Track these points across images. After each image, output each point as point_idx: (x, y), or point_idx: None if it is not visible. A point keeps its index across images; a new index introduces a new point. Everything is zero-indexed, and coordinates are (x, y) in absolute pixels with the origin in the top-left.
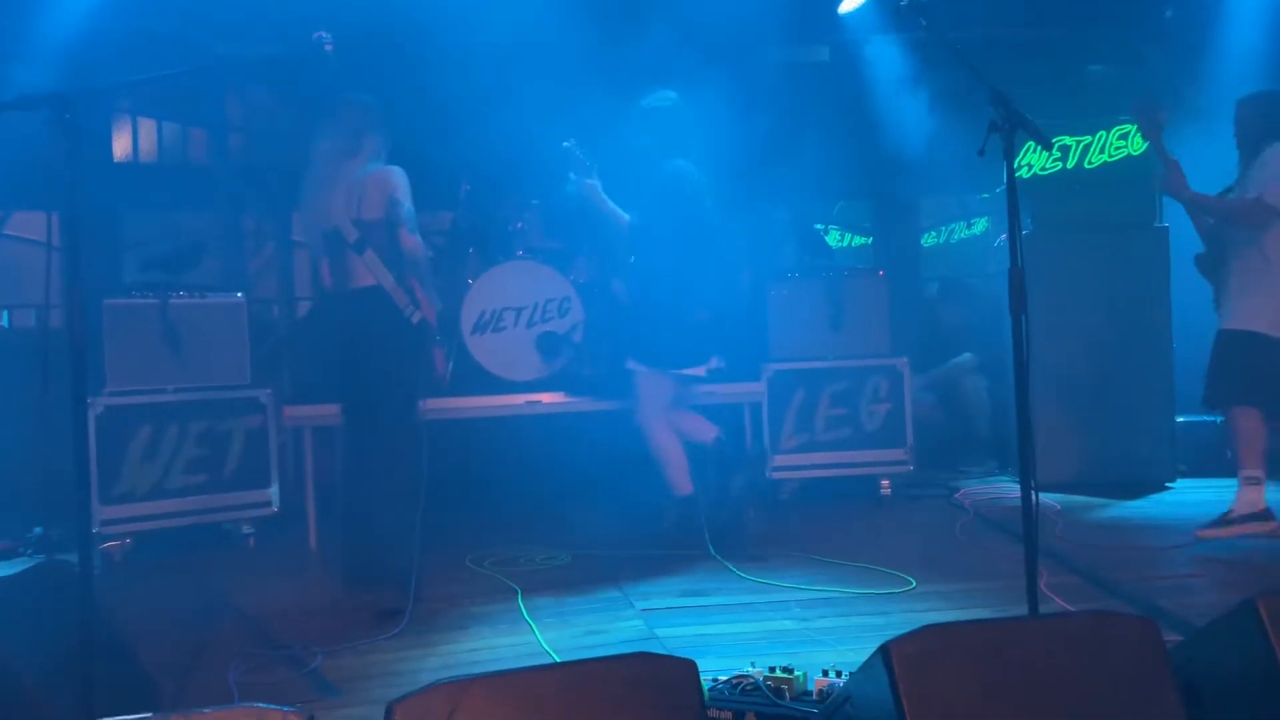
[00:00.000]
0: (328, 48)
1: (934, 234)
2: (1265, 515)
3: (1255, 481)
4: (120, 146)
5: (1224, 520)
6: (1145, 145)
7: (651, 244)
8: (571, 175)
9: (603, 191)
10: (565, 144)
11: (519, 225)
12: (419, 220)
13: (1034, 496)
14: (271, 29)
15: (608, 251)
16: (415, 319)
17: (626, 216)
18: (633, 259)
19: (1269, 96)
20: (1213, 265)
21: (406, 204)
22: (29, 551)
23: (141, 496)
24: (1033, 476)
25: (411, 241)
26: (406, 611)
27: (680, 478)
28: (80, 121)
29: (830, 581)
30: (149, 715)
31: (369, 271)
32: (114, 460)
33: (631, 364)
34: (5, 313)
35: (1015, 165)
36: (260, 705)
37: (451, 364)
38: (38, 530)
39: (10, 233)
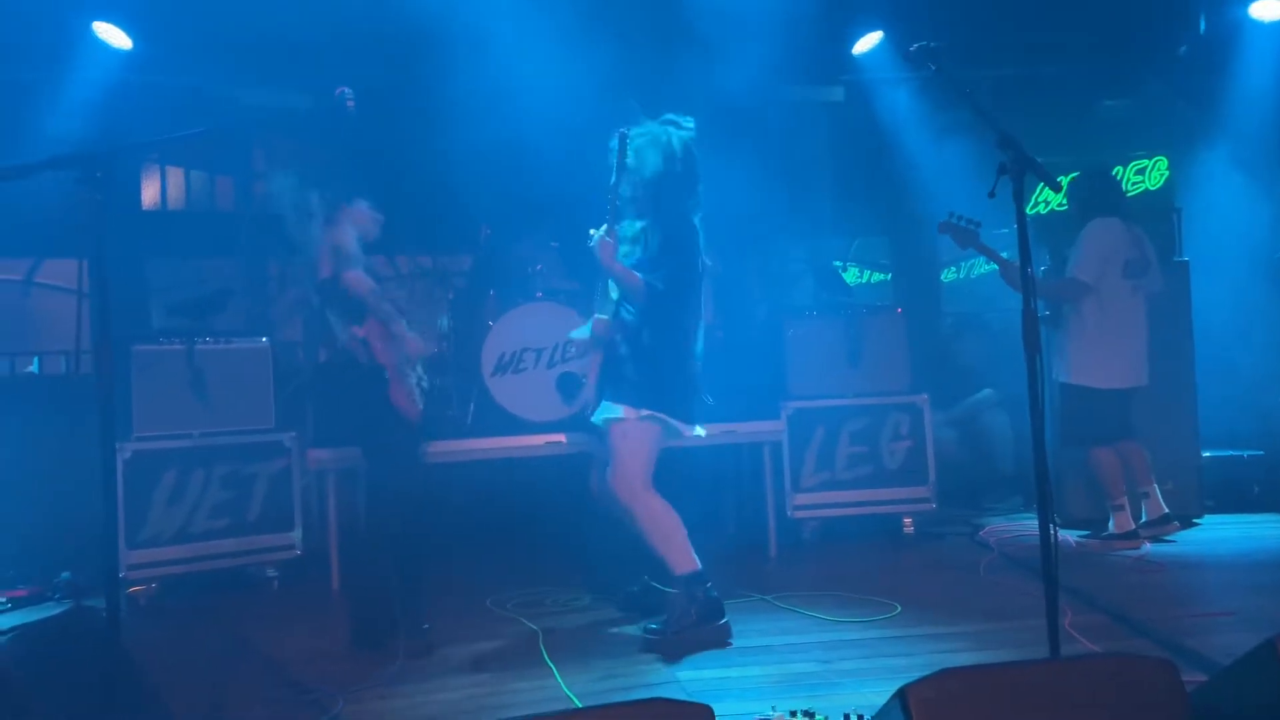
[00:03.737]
0: (350, 104)
1: (954, 270)
2: (1132, 535)
3: (1120, 508)
4: (149, 195)
5: (1101, 538)
6: (1163, 180)
7: (664, 303)
8: (595, 231)
9: (617, 252)
10: (621, 131)
11: (538, 267)
12: (440, 263)
13: (1054, 535)
14: (295, 78)
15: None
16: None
17: (640, 277)
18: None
19: (1083, 179)
20: (1052, 324)
21: (351, 248)
22: (57, 596)
23: (167, 540)
24: (1051, 515)
25: (351, 278)
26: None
27: (684, 550)
28: (108, 178)
29: (852, 621)
30: None
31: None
32: (140, 504)
33: (622, 410)
34: (36, 359)
35: (1031, 202)
36: None
37: (473, 405)
38: (65, 575)
39: (41, 280)
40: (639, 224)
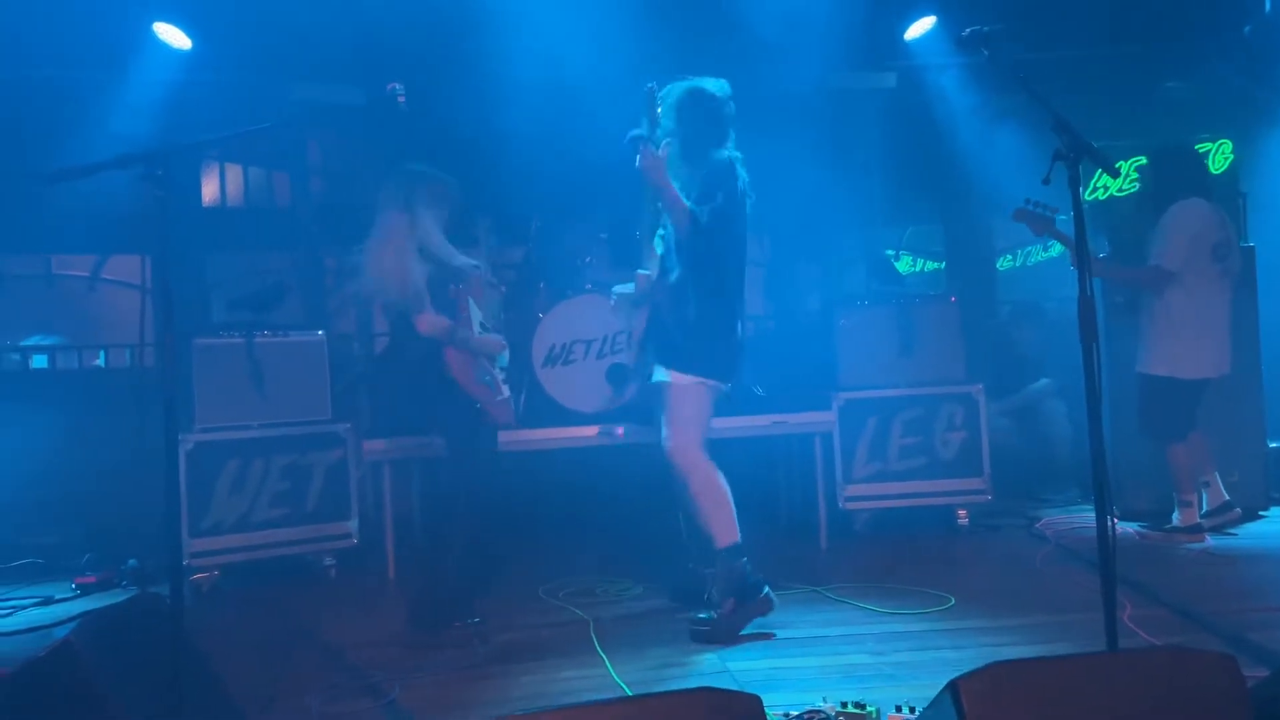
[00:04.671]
0: (400, 99)
1: (1009, 257)
2: (1195, 529)
3: (1189, 505)
4: (209, 192)
5: (1164, 530)
6: (1228, 163)
7: (707, 238)
8: (634, 131)
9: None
10: (648, 86)
11: (588, 259)
12: (490, 256)
13: (1112, 526)
14: (347, 74)
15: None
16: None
17: (688, 204)
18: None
19: (1162, 159)
20: (1131, 312)
21: (412, 283)
22: (123, 583)
23: (228, 529)
24: (1109, 506)
25: (424, 323)
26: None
27: (730, 522)
28: (170, 175)
29: (905, 614)
30: None
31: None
32: (203, 494)
33: (670, 375)
34: (102, 353)
35: (1090, 188)
36: None
37: (524, 397)
38: (132, 562)
39: (107, 276)
40: (682, 176)
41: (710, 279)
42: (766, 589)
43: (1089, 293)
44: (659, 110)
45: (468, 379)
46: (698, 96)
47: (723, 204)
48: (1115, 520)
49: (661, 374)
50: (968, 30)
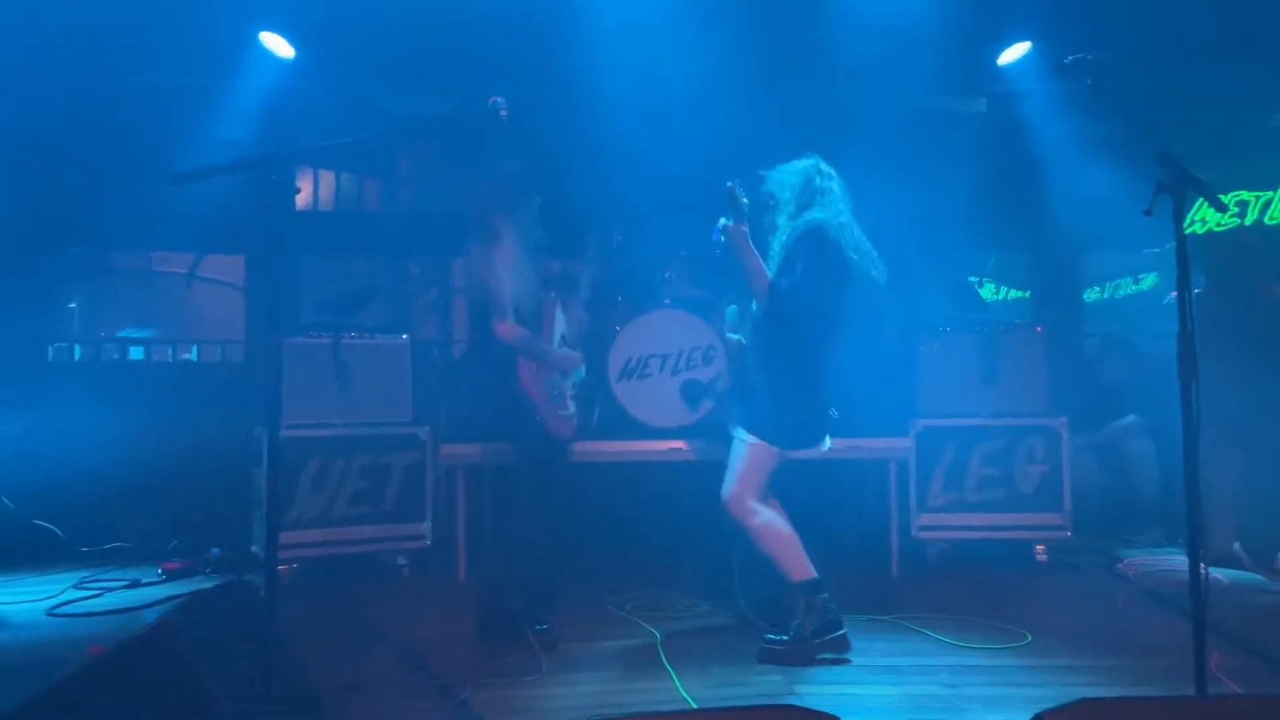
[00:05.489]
0: (503, 113)
1: (1098, 289)
2: None
3: None
4: (302, 195)
5: (1270, 569)
6: None
7: (788, 306)
8: (722, 220)
9: (750, 241)
10: (729, 184)
11: (667, 275)
12: (569, 268)
13: (1204, 570)
14: (439, 83)
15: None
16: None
17: (769, 275)
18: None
19: None
20: None
21: (496, 290)
22: (207, 570)
23: (309, 524)
24: (1201, 548)
25: (501, 331)
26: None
27: (798, 559)
28: (281, 181)
29: (980, 647)
30: None
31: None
32: (287, 489)
33: (742, 433)
34: (195, 347)
35: (1187, 221)
36: None
37: (599, 409)
38: (215, 551)
39: (203, 274)
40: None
41: (789, 347)
42: (845, 630)
43: (1189, 327)
44: (744, 202)
45: (535, 389)
46: (784, 172)
47: (803, 270)
48: (1206, 563)
49: (736, 430)
50: (1070, 58)
